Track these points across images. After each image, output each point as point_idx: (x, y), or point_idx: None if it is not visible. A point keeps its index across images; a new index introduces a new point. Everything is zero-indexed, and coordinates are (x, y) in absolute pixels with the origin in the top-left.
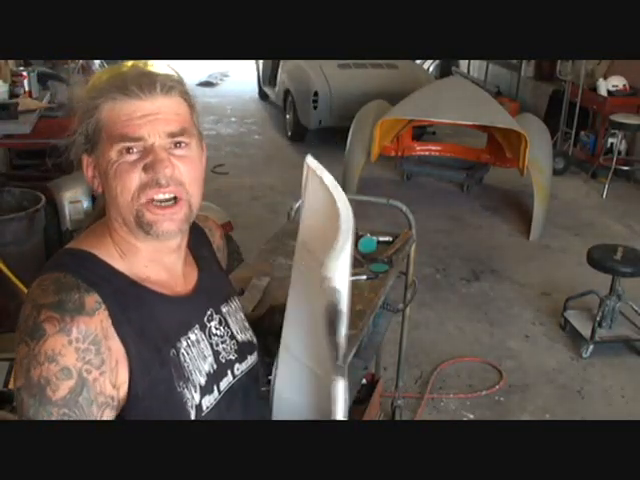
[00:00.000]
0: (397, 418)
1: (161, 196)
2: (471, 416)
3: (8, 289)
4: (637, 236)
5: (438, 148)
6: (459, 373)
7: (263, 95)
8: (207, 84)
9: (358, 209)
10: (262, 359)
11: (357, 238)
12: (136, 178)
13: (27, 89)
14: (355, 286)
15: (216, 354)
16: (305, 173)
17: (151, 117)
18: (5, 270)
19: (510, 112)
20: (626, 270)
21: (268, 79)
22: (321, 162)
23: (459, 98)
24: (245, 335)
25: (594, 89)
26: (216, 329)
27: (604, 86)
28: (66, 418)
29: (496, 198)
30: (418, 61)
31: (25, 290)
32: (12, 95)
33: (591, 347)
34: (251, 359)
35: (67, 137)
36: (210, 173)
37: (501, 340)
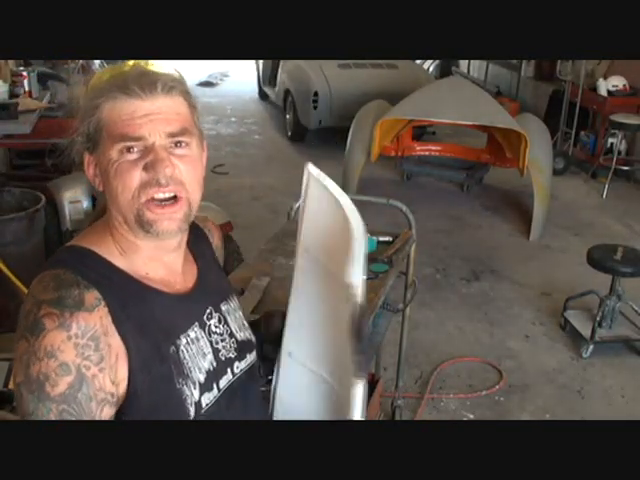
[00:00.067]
0: (397, 418)
1: (161, 195)
2: (471, 416)
3: (8, 289)
4: (637, 236)
5: (438, 148)
6: (459, 373)
7: (263, 95)
8: (207, 84)
9: (358, 209)
10: (260, 361)
11: None
12: (136, 177)
13: (27, 89)
14: None
15: (216, 352)
16: (305, 180)
17: (152, 117)
18: (5, 270)
19: (510, 112)
20: (626, 270)
21: (268, 79)
22: (321, 162)
23: (459, 98)
24: (244, 334)
25: (594, 89)
26: (216, 327)
27: (604, 86)
28: (65, 414)
29: (496, 198)
30: (418, 61)
31: (25, 290)
32: (12, 95)
33: (591, 347)
34: (250, 357)
35: (68, 137)
36: (210, 173)
37: (501, 340)
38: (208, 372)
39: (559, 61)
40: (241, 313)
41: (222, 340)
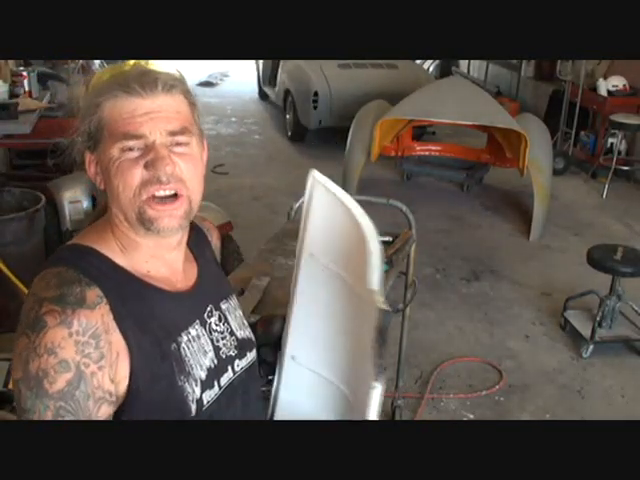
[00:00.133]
0: (397, 418)
1: (162, 193)
2: (471, 416)
3: (8, 289)
4: (637, 236)
5: (438, 148)
6: (459, 373)
7: (263, 95)
8: (207, 84)
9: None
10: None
11: None
12: (137, 175)
13: (27, 89)
14: None
15: (216, 350)
16: (309, 186)
17: (152, 115)
18: (5, 270)
19: (510, 112)
20: (626, 270)
21: (268, 79)
22: (321, 162)
23: (459, 98)
24: (244, 332)
25: (594, 89)
26: (216, 325)
27: (604, 86)
28: (62, 412)
29: (496, 198)
30: (418, 61)
31: (25, 290)
32: (12, 95)
33: (591, 347)
34: (250, 356)
35: (68, 136)
36: (210, 173)
37: (501, 340)
38: (209, 369)
39: (559, 61)
40: (241, 312)
41: (223, 338)
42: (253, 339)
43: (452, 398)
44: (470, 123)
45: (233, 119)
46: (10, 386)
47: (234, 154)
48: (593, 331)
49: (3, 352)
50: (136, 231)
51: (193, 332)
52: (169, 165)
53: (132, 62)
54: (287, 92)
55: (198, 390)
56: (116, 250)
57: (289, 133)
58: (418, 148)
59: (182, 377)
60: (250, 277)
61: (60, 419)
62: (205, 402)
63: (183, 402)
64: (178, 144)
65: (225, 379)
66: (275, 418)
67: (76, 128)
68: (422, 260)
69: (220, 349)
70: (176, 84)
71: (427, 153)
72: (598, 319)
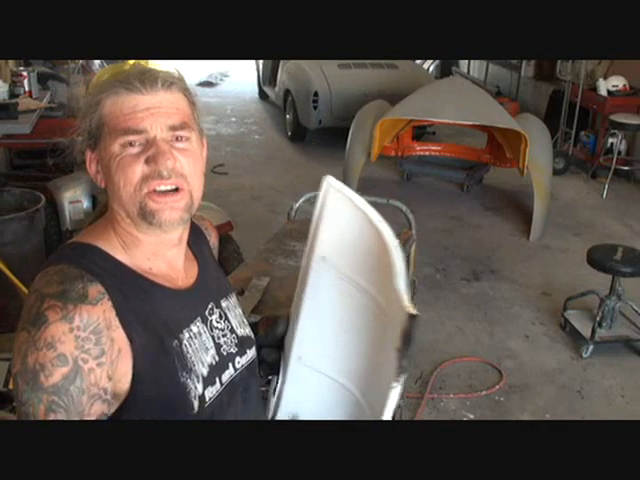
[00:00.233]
0: (397, 418)
1: (163, 187)
2: (471, 416)
3: (8, 289)
4: (637, 236)
5: (438, 148)
6: (459, 373)
7: (263, 95)
8: (207, 84)
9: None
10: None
11: None
12: (138, 170)
13: (27, 89)
14: None
15: (218, 347)
16: (323, 191)
17: (153, 110)
18: (5, 270)
19: (510, 112)
20: (626, 270)
21: (268, 79)
22: (321, 162)
23: (459, 98)
24: (244, 330)
25: (594, 89)
26: (217, 322)
27: (604, 86)
28: (54, 406)
29: (496, 198)
30: (418, 61)
31: (25, 290)
32: (12, 95)
33: (591, 347)
34: (250, 353)
35: (70, 136)
36: (210, 173)
37: (501, 340)
38: (211, 366)
39: (559, 61)
40: (240, 310)
41: (223, 335)
42: (253, 337)
43: (452, 398)
44: (470, 123)
45: (233, 119)
46: (10, 386)
47: (234, 154)
48: (593, 331)
49: (3, 352)
50: (138, 227)
51: (194, 329)
52: (170, 159)
53: (132, 62)
54: (287, 92)
55: (200, 386)
56: (118, 247)
57: (289, 133)
58: (418, 148)
59: (184, 373)
60: (250, 277)
61: (52, 414)
62: (207, 398)
63: (185, 398)
64: (179, 139)
65: (226, 376)
66: (278, 417)
67: (76, 127)
68: (422, 260)
69: (221, 346)
70: (175, 82)
71: (427, 153)
72: (598, 319)
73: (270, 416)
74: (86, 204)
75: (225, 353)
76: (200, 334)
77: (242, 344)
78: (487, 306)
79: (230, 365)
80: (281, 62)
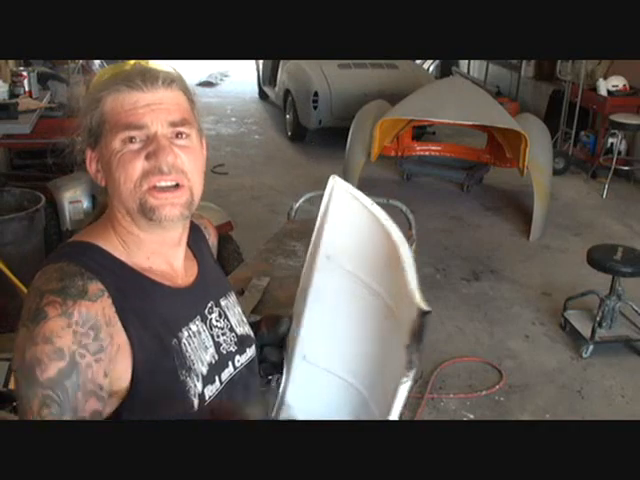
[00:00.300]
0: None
1: (163, 183)
2: (471, 416)
3: (8, 289)
4: (637, 236)
5: (438, 148)
6: (459, 373)
7: (263, 95)
8: (207, 84)
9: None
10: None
11: None
12: (139, 166)
13: (27, 89)
14: None
15: (217, 345)
16: (329, 190)
17: (154, 106)
18: (5, 270)
19: (510, 112)
20: (626, 270)
21: (268, 79)
22: (321, 162)
23: (459, 98)
24: (243, 329)
25: (594, 89)
26: (216, 321)
27: (604, 86)
28: (48, 401)
29: (496, 198)
30: (418, 61)
31: (25, 290)
32: (12, 95)
33: (591, 347)
34: (250, 352)
35: (70, 135)
36: (210, 173)
37: (501, 340)
38: (210, 365)
39: (559, 61)
40: (239, 309)
41: (223, 334)
42: (252, 335)
43: (452, 398)
44: (470, 123)
45: (233, 119)
46: (10, 386)
47: (234, 154)
48: (593, 331)
49: (3, 352)
50: (138, 225)
51: (194, 328)
52: (170, 155)
53: (132, 62)
54: (287, 92)
55: (200, 385)
56: (117, 246)
57: (289, 133)
58: (418, 148)
59: (184, 372)
60: (250, 277)
61: (45, 409)
62: (207, 397)
63: (185, 397)
64: (179, 136)
65: (226, 374)
66: (281, 416)
67: (77, 126)
68: (422, 260)
69: (221, 345)
70: (175, 80)
71: (427, 153)
72: (598, 319)
73: (273, 415)
74: (86, 204)
75: (225, 352)
76: (199, 333)
77: (242, 343)
78: (487, 306)
79: (230, 364)
80: (281, 62)
